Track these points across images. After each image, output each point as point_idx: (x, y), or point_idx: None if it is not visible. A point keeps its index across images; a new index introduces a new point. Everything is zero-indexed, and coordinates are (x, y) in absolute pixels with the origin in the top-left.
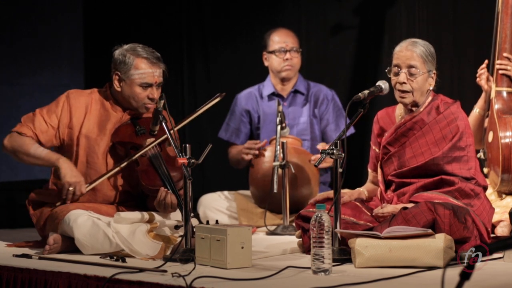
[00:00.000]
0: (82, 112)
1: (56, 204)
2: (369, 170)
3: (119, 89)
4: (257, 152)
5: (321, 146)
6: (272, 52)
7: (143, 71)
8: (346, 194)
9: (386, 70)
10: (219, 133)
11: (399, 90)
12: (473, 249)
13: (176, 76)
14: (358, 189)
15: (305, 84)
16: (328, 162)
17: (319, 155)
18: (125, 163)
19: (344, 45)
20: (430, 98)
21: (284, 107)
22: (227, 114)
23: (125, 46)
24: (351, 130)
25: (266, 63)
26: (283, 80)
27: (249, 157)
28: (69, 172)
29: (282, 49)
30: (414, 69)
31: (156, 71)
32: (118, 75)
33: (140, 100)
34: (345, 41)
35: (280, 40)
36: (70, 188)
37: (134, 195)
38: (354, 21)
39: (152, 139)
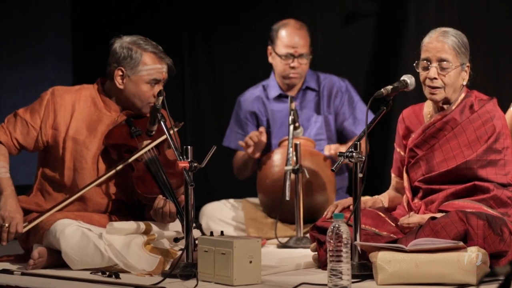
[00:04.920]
0: (69, 111)
1: None
2: (392, 175)
3: (121, 87)
4: (256, 139)
5: (328, 150)
6: (278, 55)
7: (152, 66)
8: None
9: (414, 64)
10: (224, 142)
11: (429, 86)
12: (510, 264)
13: (176, 70)
14: (374, 196)
15: (315, 77)
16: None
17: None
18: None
19: (364, 34)
20: (463, 95)
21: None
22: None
23: (126, 39)
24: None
25: (270, 60)
26: (288, 84)
27: (252, 150)
28: (4, 206)
29: (289, 55)
30: (445, 62)
31: (164, 67)
32: (122, 71)
33: (146, 99)
34: (365, 30)
35: (289, 43)
36: (5, 224)
37: (128, 204)
38: (374, 8)
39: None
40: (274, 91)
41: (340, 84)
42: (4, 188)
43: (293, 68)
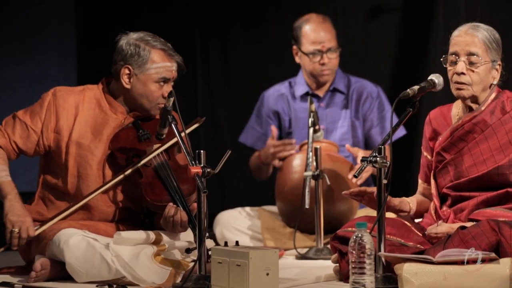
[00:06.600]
0: (72, 113)
1: None
2: (419, 181)
3: (128, 87)
4: (293, 151)
5: (356, 150)
6: (305, 53)
7: (161, 64)
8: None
9: (442, 59)
10: (240, 137)
11: (456, 82)
12: None
13: (187, 68)
14: (403, 198)
15: (344, 80)
16: (368, 171)
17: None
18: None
19: (388, 30)
20: (493, 95)
21: (320, 108)
22: (249, 114)
23: (133, 36)
24: (402, 131)
25: (297, 60)
26: (319, 82)
27: (278, 162)
28: (12, 210)
29: (317, 51)
30: (475, 57)
31: (173, 65)
32: (129, 69)
33: (155, 99)
34: (389, 26)
35: (315, 39)
36: (15, 230)
37: (136, 212)
38: (399, 2)
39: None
40: (301, 89)
41: (371, 89)
42: (8, 192)
43: (323, 65)
